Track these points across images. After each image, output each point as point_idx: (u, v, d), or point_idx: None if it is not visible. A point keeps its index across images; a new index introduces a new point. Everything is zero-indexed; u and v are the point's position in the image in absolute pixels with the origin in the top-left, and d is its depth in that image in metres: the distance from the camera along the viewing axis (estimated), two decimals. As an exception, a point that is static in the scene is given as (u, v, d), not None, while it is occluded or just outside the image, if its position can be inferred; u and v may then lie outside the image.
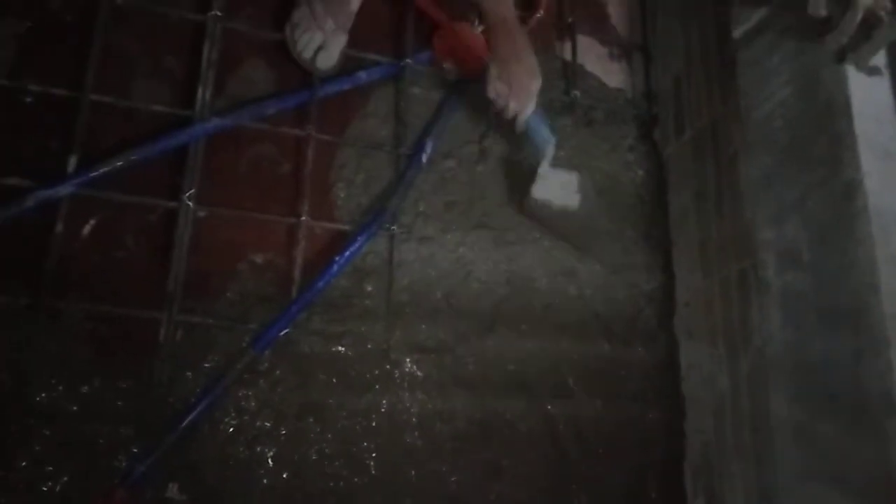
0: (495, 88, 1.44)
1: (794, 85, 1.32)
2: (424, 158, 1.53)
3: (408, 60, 1.59)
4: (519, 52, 1.45)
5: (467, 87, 1.63)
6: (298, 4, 1.48)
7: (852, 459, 1.12)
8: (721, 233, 1.50)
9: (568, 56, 1.77)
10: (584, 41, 1.80)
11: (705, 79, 1.61)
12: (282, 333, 1.36)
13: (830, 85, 1.23)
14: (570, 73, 1.75)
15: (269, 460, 1.32)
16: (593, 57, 1.82)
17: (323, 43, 1.46)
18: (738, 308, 1.42)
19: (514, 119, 1.49)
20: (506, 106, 1.47)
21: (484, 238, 1.56)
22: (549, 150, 1.51)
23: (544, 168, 1.50)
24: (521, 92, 1.45)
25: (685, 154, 1.65)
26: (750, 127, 1.42)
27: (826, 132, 1.23)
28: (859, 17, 1.18)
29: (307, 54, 1.47)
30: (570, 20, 1.80)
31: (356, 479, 1.36)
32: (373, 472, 1.37)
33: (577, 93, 1.72)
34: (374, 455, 1.38)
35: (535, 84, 1.46)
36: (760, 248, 1.36)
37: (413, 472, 1.39)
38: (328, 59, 1.48)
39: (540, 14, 1.76)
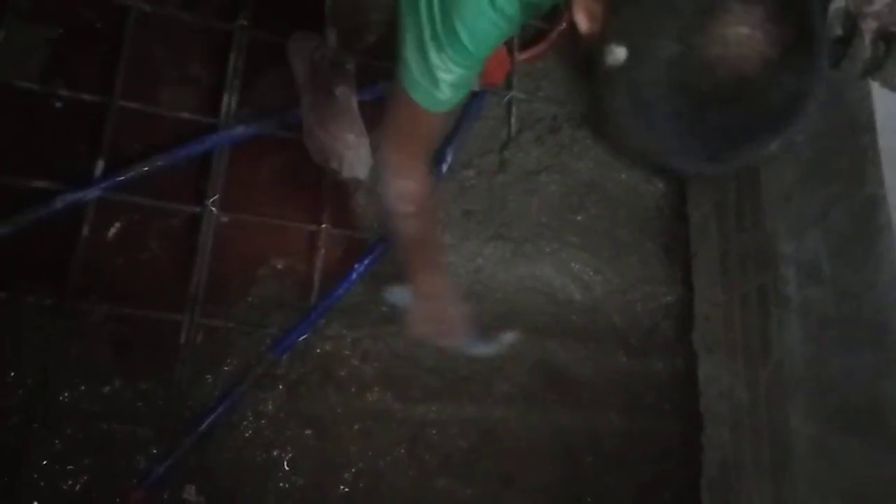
0: (426, 334, 1.23)
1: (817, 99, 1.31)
2: (444, 168, 1.54)
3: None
4: (445, 292, 1.22)
5: (488, 97, 1.64)
6: (308, 134, 1.45)
7: (871, 476, 1.11)
8: (741, 246, 1.49)
9: (589, 68, 1.77)
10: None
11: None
12: (301, 339, 1.38)
13: (854, 100, 1.23)
14: (592, 86, 1.75)
15: (285, 464, 1.33)
16: (615, 69, 1.82)
17: (353, 157, 1.45)
18: (757, 322, 1.41)
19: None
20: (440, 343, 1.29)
21: (501, 248, 1.56)
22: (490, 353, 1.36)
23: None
24: (454, 334, 1.24)
25: (706, 167, 1.64)
26: (771, 141, 1.41)
27: (849, 147, 1.22)
28: (867, 40, 1.17)
29: (346, 174, 1.46)
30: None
31: (370, 486, 1.36)
32: (387, 478, 1.37)
33: (597, 105, 1.72)
34: (388, 461, 1.38)
35: (462, 325, 1.24)
36: (781, 262, 1.35)
37: (427, 481, 1.39)
38: (364, 167, 1.47)
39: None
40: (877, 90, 1.21)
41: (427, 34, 0.83)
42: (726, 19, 0.57)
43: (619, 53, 0.61)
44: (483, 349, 1.32)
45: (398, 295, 1.25)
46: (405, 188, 1.05)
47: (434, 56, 0.84)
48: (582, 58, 0.68)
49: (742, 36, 0.57)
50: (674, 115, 0.61)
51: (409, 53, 0.87)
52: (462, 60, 0.85)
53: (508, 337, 1.35)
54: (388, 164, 1.05)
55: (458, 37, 0.82)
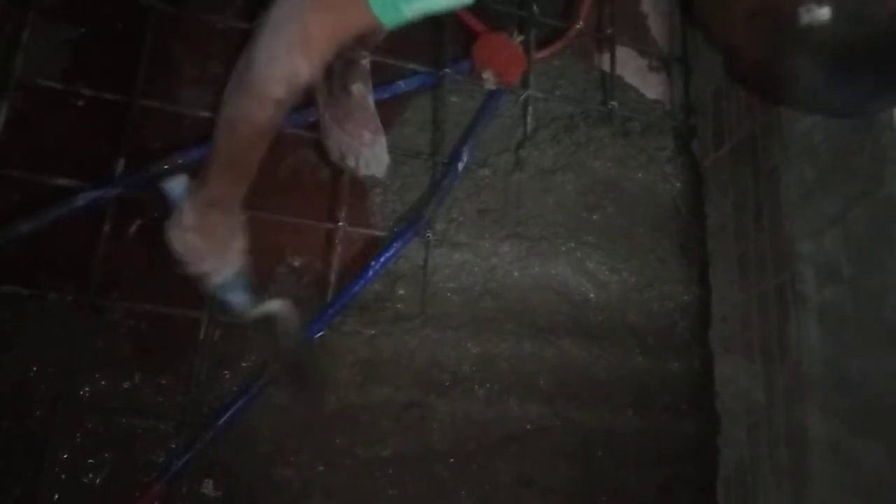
0: (183, 240, 1.00)
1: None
2: (461, 167, 1.54)
3: (447, 70, 1.61)
4: (229, 202, 1.02)
5: (504, 96, 1.64)
6: (325, 133, 1.46)
7: (890, 478, 1.10)
8: (759, 246, 1.48)
9: (606, 67, 1.77)
10: (623, 52, 1.80)
11: (745, 91, 1.59)
12: (317, 336, 1.39)
13: (874, 98, 1.22)
14: (609, 85, 1.75)
15: (303, 460, 1.34)
16: (632, 68, 1.82)
17: (370, 155, 1.46)
18: (775, 322, 1.40)
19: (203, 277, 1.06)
20: (191, 264, 1.04)
21: (517, 247, 1.56)
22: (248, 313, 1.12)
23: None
24: (216, 253, 1.03)
25: (724, 166, 1.64)
26: (790, 140, 1.41)
27: (868, 146, 1.21)
28: None
29: (364, 172, 1.47)
30: (609, 31, 1.80)
31: (386, 483, 1.37)
32: (403, 476, 1.38)
33: (614, 104, 1.72)
34: (404, 459, 1.39)
35: (237, 246, 1.04)
36: (799, 261, 1.34)
37: (444, 480, 1.40)
38: (381, 165, 1.48)
39: (580, 25, 1.76)
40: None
41: None
42: None
43: (821, 13, 0.61)
44: (239, 302, 1.08)
45: (177, 186, 1.01)
46: (302, 69, 0.84)
47: None
48: (746, 14, 0.65)
49: None
50: (876, 71, 0.62)
51: None
52: None
53: (274, 304, 1.11)
54: (297, 31, 0.82)
55: None
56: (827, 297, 1.27)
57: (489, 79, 1.63)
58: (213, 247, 1.00)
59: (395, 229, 1.50)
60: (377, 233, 1.50)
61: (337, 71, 1.42)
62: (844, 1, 0.61)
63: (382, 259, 1.45)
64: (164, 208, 1.04)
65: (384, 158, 1.48)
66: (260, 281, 1.40)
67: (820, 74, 0.65)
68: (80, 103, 1.40)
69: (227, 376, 1.34)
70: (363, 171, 1.46)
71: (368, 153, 1.45)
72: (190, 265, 1.01)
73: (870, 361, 1.16)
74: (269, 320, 1.12)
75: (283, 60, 0.83)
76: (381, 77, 1.54)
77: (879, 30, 0.60)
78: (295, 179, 1.49)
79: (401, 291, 1.47)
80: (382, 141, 1.47)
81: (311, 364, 1.34)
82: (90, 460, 1.25)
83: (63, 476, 1.23)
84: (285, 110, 0.89)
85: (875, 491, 1.13)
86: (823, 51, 0.63)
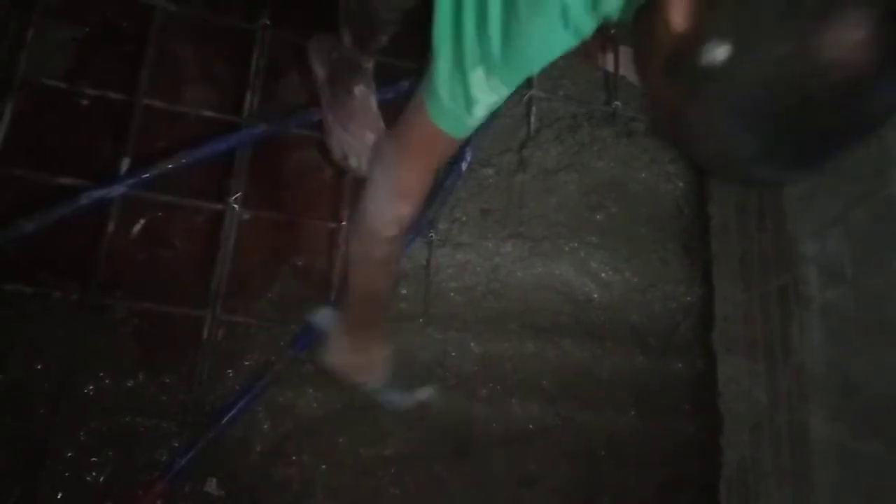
0: (342, 361, 1.15)
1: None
2: (464, 167, 1.55)
3: (450, 70, 1.61)
4: (371, 340, 1.15)
5: (508, 95, 1.64)
6: (328, 133, 1.47)
7: (892, 478, 1.10)
8: (762, 246, 1.48)
9: (610, 67, 1.77)
10: (626, 53, 1.80)
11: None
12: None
13: (877, 99, 1.22)
14: (612, 85, 1.75)
15: (305, 458, 1.34)
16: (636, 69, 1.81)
17: None
18: (778, 323, 1.40)
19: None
20: (352, 378, 1.19)
21: (520, 246, 1.56)
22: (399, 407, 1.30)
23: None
24: (357, 377, 1.18)
25: (727, 167, 1.63)
26: (793, 140, 1.40)
27: (872, 146, 1.21)
28: None
29: (366, 172, 1.46)
30: (612, 31, 1.80)
31: (388, 482, 1.37)
32: (404, 476, 1.38)
33: (618, 104, 1.72)
34: (405, 459, 1.39)
35: (380, 374, 1.18)
36: (802, 262, 1.34)
37: (445, 479, 1.40)
38: None
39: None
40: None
41: (471, 58, 0.79)
42: (844, 22, 0.55)
43: (719, 52, 0.58)
44: (395, 399, 1.25)
45: (324, 318, 1.16)
46: (402, 212, 0.95)
47: (478, 79, 0.80)
48: (661, 58, 0.64)
49: (858, 40, 0.55)
50: (773, 119, 0.59)
51: (441, 82, 0.83)
52: (515, 80, 0.82)
53: (423, 392, 1.29)
54: (396, 184, 0.94)
55: (520, 56, 0.78)
56: (830, 297, 1.27)
57: (492, 79, 1.63)
58: (365, 361, 1.15)
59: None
60: (380, 232, 1.49)
61: (340, 73, 1.43)
62: (746, 47, 0.57)
63: (385, 259, 1.45)
64: (313, 338, 1.28)
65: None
66: (263, 281, 1.41)
67: (722, 127, 0.62)
68: (85, 102, 1.40)
69: (230, 375, 1.35)
70: (366, 171, 1.46)
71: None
72: (351, 378, 1.17)
73: (872, 362, 1.16)
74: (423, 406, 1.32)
75: (389, 208, 0.95)
76: (383, 77, 1.54)
77: (777, 83, 0.57)
78: (298, 180, 1.50)
79: (404, 291, 1.48)
80: None
81: None
82: (93, 459, 1.25)
83: (66, 474, 1.23)
84: (399, 244, 1.02)
85: (877, 491, 1.13)
86: (723, 98, 0.60)
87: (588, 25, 0.78)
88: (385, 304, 1.15)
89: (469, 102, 0.83)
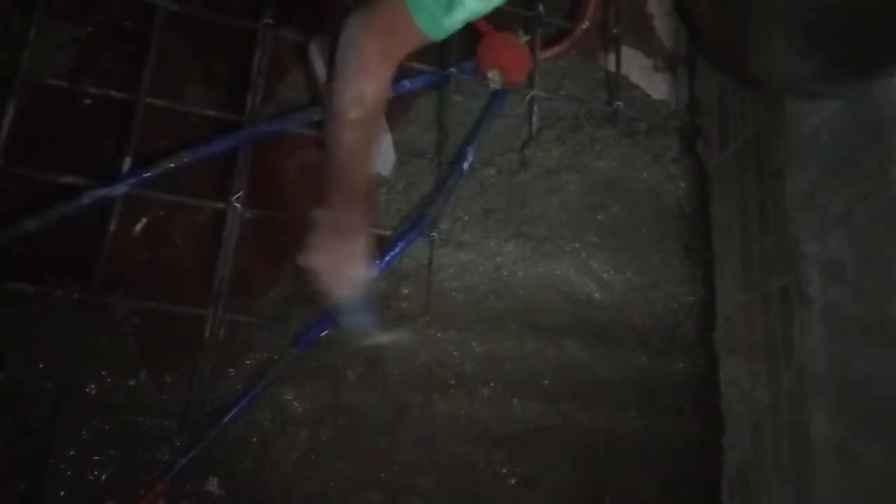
0: (315, 262, 1.12)
1: (842, 99, 1.30)
2: (466, 166, 1.55)
3: (452, 69, 1.61)
4: (351, 230, 1.12)
5: (509, 96, 1.64)
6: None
7: (894, 480, 1.10)
8: (764, 247, 1.48)
9: (612, 67, 1.77)
10: (628, 52, 1.80)
11: (750, 91, 1.59)
12: (323, 334, 1.39)
13: (880, 98, 1.21)
14: (614, 85, 1.75)
15: (307, 458, 1.34)
16: (637, 68, 1.82)
17: (376, 154, 1.44)
18: (779, 323, 1.40)
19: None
20: (314, 282, 1.16)
21: (521, 246, 1.56)
22: (368, 338, 1.25)
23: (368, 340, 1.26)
24: (344, 278, 1.14)
25: (729, 167, 1.64)
26: (795, 140, 1.40)
27: (874, 146, 1.21)
28: None
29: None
30: (614, 31, 1.80)
31: (390, 483, 1.37)
32: (406, 476, 1.38)
33: (619, 104, 1.72)
34: (407, 459, 1.39)
35: (360, 271, 1.14)
36: (804, 262, 1.34)
37: (446, 479, 1.40)
38: (387, 164, 1.48)
39: (585, 25, 1.76)
40: (903, 89, 1.20)
41: None
42: None
43: None
44: (364, 324, 1.17)
45: (318, 216, 1.11)
46: (366, 89, 0.94)
47: None
48: None
49: None
50: (836, 37, 0.60)
51: None
52: None
53: (396, 333, 1.24)
54: (356, 57, 0.93)
55: None
56: (831, 297, 1.27)
57: (494, 78, 1.63)
58: (331, 268, 1.10)
59: (400, 228, 1.50)
60: (382, 232, 1.50)
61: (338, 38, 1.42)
62: None
63: (387, 258, 1.45)
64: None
65: (389, 158, 1.48)
66: (265, 280, 1.42)
67: (782, 45, 0.63)
68: (87, 102, 1.41)
69: (232, 374, 1.35)
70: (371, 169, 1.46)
71: (374, 152, 1.45)
72: (313, 282, 1.12)
73: (874, 362, 1.16)
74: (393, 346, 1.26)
75: (350, 84, 0.93)
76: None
77: None
78: (300, 178, 1.50)
79: (405, 291, 1.48)
80: (388, 140, 1.47)
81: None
82: (95, 457, 1.25)
83: (68, 473, 1.23)
84: (368, 129, 0.99)
85: (879, 492, 1.12)
86: (784, 16, 0.61)
87: None
88: (365, 194, 1.09)
89: (451, 4, 0.83)
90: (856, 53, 0.62)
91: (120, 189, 1.35)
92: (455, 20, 0.85)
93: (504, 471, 1.43)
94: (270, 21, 1.51)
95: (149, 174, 1.37)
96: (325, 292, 1.12)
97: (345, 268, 1.10)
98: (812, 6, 0.60)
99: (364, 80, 0.93)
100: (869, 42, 0.61)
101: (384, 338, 1.22)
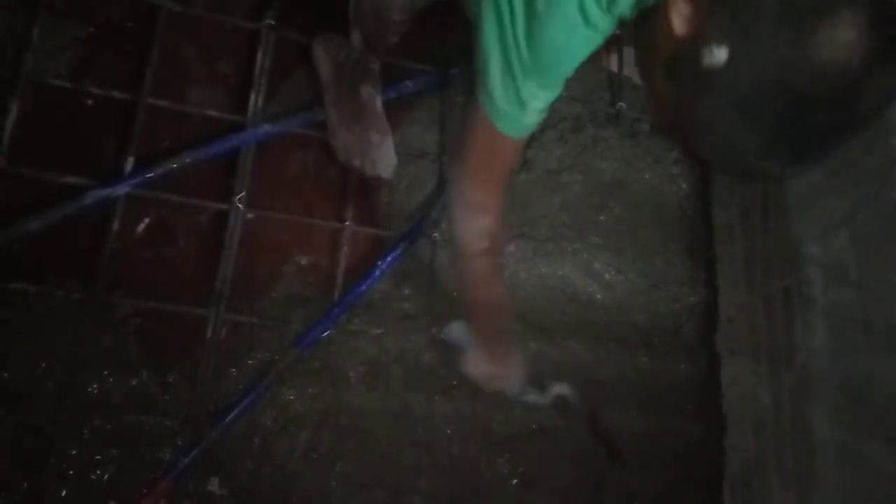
0: (482, 373, 1.21)
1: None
2: (468, 167, 1.54)
3: (455, 70, 1.61)
4: (506, 350, 1.21)
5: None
6: (333, 133, 1.46)
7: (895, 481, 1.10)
8: (766, 248, 1.48)
9: (614, 68, 1.77)
10: (631, 53, 1.79)
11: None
12: (324, 334, 1.39)
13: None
14: (616, 85, 1.75)
15: (308, 457, 1.34)
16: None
17: (377, 155, 1.46)
18: (782, 324, 1.40)
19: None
20: (492, 386, 1.25)
21: (523, 247, 1.56)
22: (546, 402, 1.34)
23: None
24: (508, 381, 1.24)
25: (731, 168, 1.63)
26: (798, 141, 1.40)
27: (877, 148, 1.21)
28: None
29: (370, 172, 1.47)
30: (617, 32, 1.79)
31: (392, 482, 1.37)
32: (407, 476, 1.38)
33: (622, 105, 1.72)
34: (408, 459, 1.39)
35: (517, 379, 1.24)
36: (806, 263, 1.34)
37: (448, 479, 1.40)
38: (388, 166, 1.48)
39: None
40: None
41: (514, 61, 0.83)
42: (837, 23, 0.58)
43: (719, 54, 0.61)
44: (533, 398, 1.29)
45: (457, 332, 1.21)
46: (482, 224, 1.00)
47: (522, 82, 0.84)
48: (664, 60, 0.68)
49: (851, 40, 0.58)
50: (773, 117, 0.62)
51: (493, 82, 0.86)
52: (551, 83, 0.85)
53: (559, 388, 1.33)
54: (464, 198, 1.00)
55: (546, 59, 0.81)
56: (834, 299, 1.27)
57: (496, 79, 1.63)
58: (501, 369, 1.20)
59: (402, 229, 1.50)
60: (384, 232, 1.50)
61: (346, 73, 1.43)
62: (745, 49, 0.60)
63: (389, 258, 1.45)
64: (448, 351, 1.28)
65: (391, 159, 1.48)
66: (267, 280, 1.42)
67: (720, 125, 0.65)
68: (90, 102, 1.41)
69: (234, 374, 1.35)
70: (370, 171, 1.47)
71: (375, 153, 1.45)
72: (491, 386, 1.23)
73: (876, 364, 1.16)
74: (561, 401, 1.33)
75: (469, 224, 1.01)
76: (388, 77, 1.54)
77: (774, 82, 0.60)
78: (302, 179, 1.50)
79: (407, 291, 1.48)
80: (389, 141, 1.47)
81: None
82: (97, 457, 1.25)
83: (70, 472, 1.23)
84: (494, 251, 1.05)
85: (881, 493, 1.12)
86: (721, 99, 0.63)
87: (606, 23, 0.81)
88: (507, 310, 1.20)
89: (522, 103, 0.86)
90: (796, 139, 0.63)
91: (122, 189, 1.35)
92: (533, 118, 0.89)
93: (505, 471, 1.43)
94: (272, 22, 1.51)
95: (151, 174, 1.37)
96: (500, 390, 1.24)
97: (509, 365, 1.20)
98: (756, 88, 0.61)
99: (482, 216, 1.00)
100: (809, 130, 0.62)
101: (551, 397, 1.32)
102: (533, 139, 1.64)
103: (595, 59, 1.78)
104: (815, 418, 1.27)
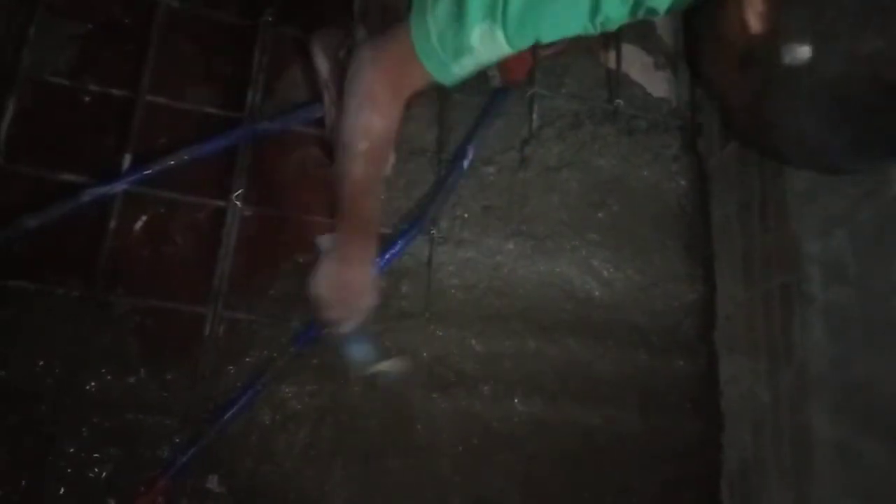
0: (322, 293, 1.06)
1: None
2: (466, 164, 1.54)
3: (452, 67, 1.60)
4: (359, 261, 1.07)
5: (510, 93, 1.64)
6: (333, 130, 1.44)
7: (894, 479, 1.10)
8: (765, 245, 1.48)
9: (612, 65, 1.77)
10: (629, 50, 1.80)
11: (742, 145, 1.59)
12: (323, 331, 1.39)
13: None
14: (615, 82, 1.75)
15: (307, 454, 1.34)
16: (638, 66, 1.81)
17: None
18: (780, 322, 1.40)
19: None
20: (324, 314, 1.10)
21: (522, 244, 1.56)
22: (366, 367, 1.20)
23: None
24: (347, 306, 1.09)
25: (729, 165, 1.63)
26: (797, 139, 1.40)
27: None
28: None
29: None
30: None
31: (390, 479, 1.37)
32: (406, 473, 1.38)
33: (620, 101, 1.72)
34: (408, 456, 1.39)
35: (365, 302, 1.09)
36: (805, 261, 1.34)
37: (447, 477, 1.40)
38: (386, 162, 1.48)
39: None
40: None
41: (481, 8, 0.78)
42: None
43: (801, 52, 0.59)
44: (360, 354, 1.15)
45: (325, 242, 1.08)
46: (373, 123, 0.94)
47: (482, 31, 0.79)
48: (736, 54, 0.64)
49: None
50: (864, 112, 0.59)
51: (435, 19, 0.81)
52: (521, 43, 0.81)
53: (396, 362, 1.22)
54: (364, 92, 0.93)
55: (536, 23, 0.78)
56: (832, 296, 1.27)
57: (495, 76, 1.63)
58: (340, 300, 1.06)
59: (400, 227, 1.50)
60: (382, 230, 1.50)
61: (345, 69, 1.42)
62: (831, 43, 0.58)
63: (387, 256, 1.45)
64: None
65: (389, 156, 1.48)
66: (265, 277, 1.42)
67: (806, 122, 0.62)
68: (87, 99, 1.41)
69: (232, 372, 1.35)
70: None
71: None
72: (319, 312, 1.07)
73: (875, 361, 1.16)
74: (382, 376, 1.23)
75: (359, 117, 0.94)
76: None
77: (862, 76, 0.58)
78: (301, 176, 1.50)
79: (405, 289, 1.48)
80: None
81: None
82: (96, 455, 1.25)
83: (69, 470, 1.23)
84: (376, 162, 0.99)
85: (879, 491, 1.13)
86: (807, 96, 0.61)
87: (619, 13, 0.77)
88: (374, 226, 1.09)
89: (459, 51, 0.82)
90: (884, 134, 0.61)
91: (120, 187, 1.35)
92: (464, 66, 0.84)
93: (505, 469, 1.43)
94: (270, 18, 1.51)
95: (149, 172, 1.37)
96: (329, 321, 1.09)
97: (351, 298, 1.07)
98: (843, 83, 0.59)
99: (372, 114, 0.94)
100: None
101: (382, 366, 1.19)
102: (531, 136, 1.64)
103: (593, 55, 1.79)
104: (814, 416, 1.27)
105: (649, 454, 1.51)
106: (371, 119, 0.94)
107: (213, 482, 1.29)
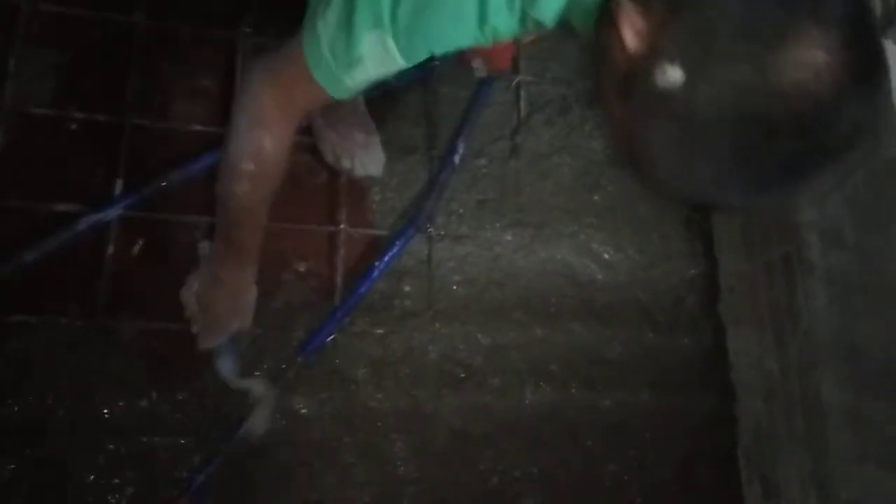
0: (189, 303, 1.10)
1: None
2: (457, 159, 1.54)
3: (436, 62, 1.60)
4: (231, 285, 1.07)
5: (495, 82, 1.63)
6: (319, 136, 1.45)
7: (905, 441, 1.10)
8: (763, 215, 1.48)
9: (596, 45, 1.75)
10: (612, 28, 1.78)
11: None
12: (329, 339, 1.39)
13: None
14: (600, 62, 1.73)
15: (321, 464, 1.35)
16: (622, 44, 1.80)
17: (365, 155, 1.45)
18: (783, 291, 1.40)
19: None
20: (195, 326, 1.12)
21: (519, 234, 1.56)
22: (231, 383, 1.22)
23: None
24: (213, 325, 1.10)
25: (722, 136, 1.63)
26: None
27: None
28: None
29: (360, 173, 1.46)
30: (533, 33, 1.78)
31: (404, 478, 1.38)
32: (420, 469, 1.39)
33: (609, 81, 1.70)
34: (419, 454, 1.40)
35: (229, 324, 1.10)
36: (803, 229, 1.33)
37: (462, 471, 1.41)
38: (377, 164, 1.47)
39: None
40: (892, 49, 1.18)
41: (371, 16, 0.74)
42: (804, 42, 0.52)
43: (674, 75, 0.55)
44: (226, 368, 1.17)
45: (207, 251, 1.08)
46: (263, 144, 0.88)
47: (373, 40, 0.75)
48: (616, 78, 0.61)
49: (819, 61, 0.52)
50: (733, 145, 0.56)
51: (326, 24, 0.77)
52: (414, 56, 0.78)
53: (257, 385, 1.25)
54: (254, 109, 0.88)
55: (425, 33, 0.75)
56: (832, 262, 1.27)
57: (479, 67, 1.62)
58: (207, 317, 1.07)
59: (396, 227, 1.50)
60: (378, 232, 1.50)
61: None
62: (698, 64, 0.55)
63: (386, 258, 1.45)
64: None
65: (379, 157, 1.48)
66: (268, 288, 1.42)
67: (679, 152, 0.59)
68: (73, 127, 1.40)
69: (242, 387, 1.35)
70: (359, 171, 1.46)
71: (363, 154, 1.45)
72: (201, 321, 1.09)
73: (878, 325, 1.16)
74: (249, 397, 1.25)
75: (247, 137, 0.88)
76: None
77: (730, 105, 0.54)
78: (293, 184, 1.48)
79: (407, 288, 1.48)
80: (376, 140, 1.47)
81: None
82: (115, 480, 1.26)
83: (89, 499, 1.24)
84: (263, 186, 0.93)
85: (889, 452, 1.13)
86: (679, 121, 0.57)
87: (507, 25, 0.74)
88: (251, 254, 1.05)
89: (351, 62, 0.78)
90: (757, 170, 0.57)
91: (114, 212, 1.35)
92: (357, 80, 0.80)
93: (521, 460, 1.44)
94: (248, 29, 1.50)
95: (142, 195, 1.37)
96: (195, 331, 1.10)
97: (213, 317, 1.06)
98: (714, 112, 0.55)
99: (263, 133, 0.88)
100: (772, 160, 0.56)
101: (241, 385, 1.22)
102: (520, 125, 1.63)
103: (576, 37, 1.77)
104: (823, 383, 1.27)
105: (664, 431, 1.52)
106: (261, 140, 0.88)
107: (232, 498, 1.30)
